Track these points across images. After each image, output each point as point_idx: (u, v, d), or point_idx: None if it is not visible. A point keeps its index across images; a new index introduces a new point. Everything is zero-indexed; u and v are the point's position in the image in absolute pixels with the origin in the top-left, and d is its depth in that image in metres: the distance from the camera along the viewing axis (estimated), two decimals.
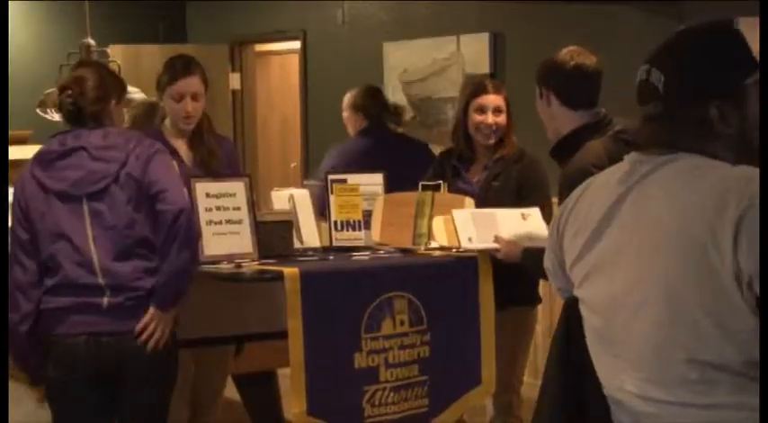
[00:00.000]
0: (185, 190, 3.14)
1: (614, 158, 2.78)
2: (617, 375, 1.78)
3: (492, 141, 3.73)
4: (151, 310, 2.99)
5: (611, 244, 1.78)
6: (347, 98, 4.97)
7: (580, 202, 1.90)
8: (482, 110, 3.72)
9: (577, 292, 1.88)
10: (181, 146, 3.70)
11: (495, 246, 3.30)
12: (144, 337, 2.98)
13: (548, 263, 2.03)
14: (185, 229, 2.98)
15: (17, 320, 3.01)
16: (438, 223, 3.45)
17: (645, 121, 1.81)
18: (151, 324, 2.99)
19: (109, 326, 2.97)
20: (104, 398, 3.06)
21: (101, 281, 2.97)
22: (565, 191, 2.81)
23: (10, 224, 3.14)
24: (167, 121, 3.75)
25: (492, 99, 3.73)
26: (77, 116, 3.10)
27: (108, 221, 3.00)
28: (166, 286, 3.00)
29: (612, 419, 1.84)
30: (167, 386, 3.13)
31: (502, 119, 3.72)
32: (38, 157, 3.10)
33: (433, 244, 3.54)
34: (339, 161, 4.67)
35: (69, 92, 3.10)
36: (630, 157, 1.82)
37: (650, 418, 1.73)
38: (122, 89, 3.29)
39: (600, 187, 1.87)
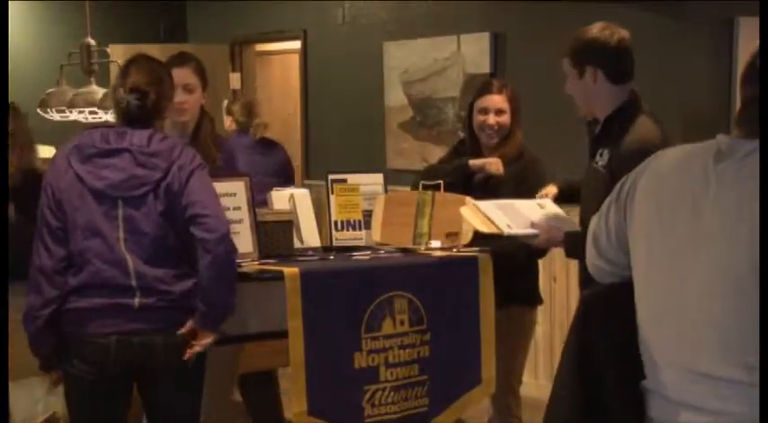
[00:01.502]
0: (222, 209, 3.09)
1: (664, 135, 2.91)
2: (685, 354, 1.77)
3: (495, 141, 3.74)
4: (203, 333, 3.00)
5: (705, 220, 1.77)
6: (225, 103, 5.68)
7: (654, 173, 1.89)
8: (485, 111, 3.74)
9: (642, 262, 1.87)
10: None
11: (536, 231, 3.22)
12: (190, 354, 3.00)
13: (600, 233, 2.01)
14: (227, 255, 2.96)
15: (39, 305, 2.96)
16: (467, 213, 3.37)
17: (745, 103, 1.80)
18: (204, 342, 3.01)
19: (140, 325, 2.96)
20: (125, 397, 3.07)
21: (133, 282, 2.96)
22: (627, 166, 2.83)
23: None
24: (167, 121, 3.76)
25: (494, 100, 3.73)
26: (137, 118, 3.05)
27: (140, 228, 2.97)
28: (216, 311, 3.00)
29: (654, 404, 1.83)
30: (198, 385, 3.13)
31: (504, 119, 3.73)
32: (77, 147, 3.02)
33: (433, 243, 3.55)
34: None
35: (138, 95, 3.03)
36: (722, 139, 1.81)
37: (723, 396, 1.73)
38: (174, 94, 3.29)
39: (683, 162, 1.86)
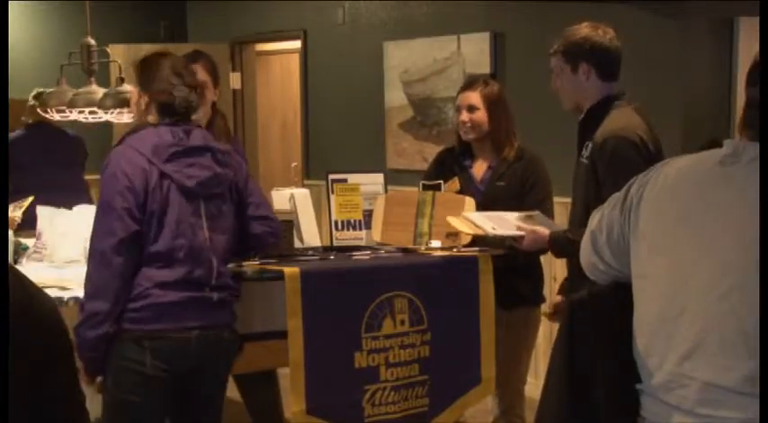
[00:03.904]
0: None
1: (651, 128, 3.01)
2: (683, 358, 1.77)
3: (471, 137, 3.73)
4: None
5: (710, 223, 1.78)
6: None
7: (662, 179, 1.89)
8: (459, 108, 3.75)
9: (645, 265, 1.87)
10: None
11: (521, 233, 3.27)
12: None
13: (600, 232, 2.02)
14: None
15: (107, 311, 2.85)
16: (455, 221, 3.41)
17: (749, 105, 1.81)
18: None
19: (215, 320, 3.02)
20: (175, 394, 3.03)
21: (213, 281, 3.01)
22: (602, 153, 2.96)
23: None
24: None
25: (467, 97, 3.73)
26: (184, 115, 3.07)
27: (219, 226, 3.04)
28: None
29: (647, 406, 1.83)
30: (227, 380, 3.23)
31: (477, 115, 3.70)
32: (155, 146, 2.95)
33: (434, 243, 3.55)
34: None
35: (196, 94, 3.11)
36: (728, 143, 1.82)
37: (713, 403, 1.73)
38: None
39: (691, 168, 1.87)
